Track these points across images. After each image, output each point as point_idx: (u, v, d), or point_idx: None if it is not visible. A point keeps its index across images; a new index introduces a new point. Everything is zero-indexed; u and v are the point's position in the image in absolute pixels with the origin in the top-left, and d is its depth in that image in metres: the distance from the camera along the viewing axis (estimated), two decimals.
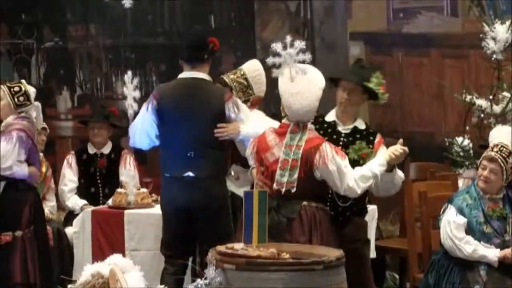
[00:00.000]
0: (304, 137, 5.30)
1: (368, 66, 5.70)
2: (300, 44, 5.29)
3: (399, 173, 5.40)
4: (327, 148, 5.22)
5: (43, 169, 7.23)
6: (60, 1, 9.25)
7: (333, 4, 9.23)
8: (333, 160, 5.19)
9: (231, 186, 6.09)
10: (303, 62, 5.31)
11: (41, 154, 7.00)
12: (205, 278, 4.46)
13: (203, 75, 5.91)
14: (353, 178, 5.20)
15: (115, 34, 9.37)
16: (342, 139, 5.50)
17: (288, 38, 5.31)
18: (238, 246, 4.58)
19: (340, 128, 5.54)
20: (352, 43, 9.17)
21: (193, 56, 5.92)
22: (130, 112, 7.06)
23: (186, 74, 5.95)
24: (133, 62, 9.33)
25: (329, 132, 5.53)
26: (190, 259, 5.95)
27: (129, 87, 5.81)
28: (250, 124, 5.83)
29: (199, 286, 4.45)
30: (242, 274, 4.44)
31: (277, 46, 5.29)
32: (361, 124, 5.57)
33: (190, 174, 5.78)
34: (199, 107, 5.81)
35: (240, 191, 6.08)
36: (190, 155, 5.78)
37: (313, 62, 5.48)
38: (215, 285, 4.43)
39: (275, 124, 5.90)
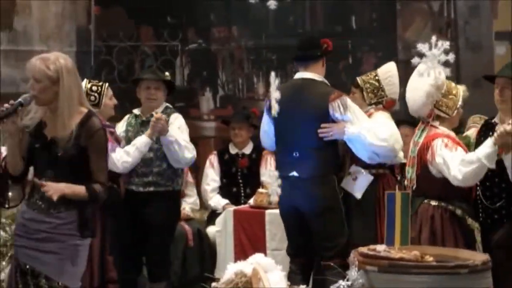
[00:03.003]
0: (424, 134, 5.31)
1: None
2: (444, 44, 5.22)
3: None
4: (438, 142, 5.18)
5: None
6: (204, 3, 9.40)
7: (478, 3, 9.06)
8: (440, 153, 5.13)
9: (347, 186, 6.02)
10: (446, 62, 5.24)
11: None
12: (347, 280, 4.44)
13: (312, 75, 5.90)
14: (456, 166, 5.06)
15: (257, 35, 9.45)
16: None
17: (433, 39, 5.25)
18: (381, 248, 4.55)
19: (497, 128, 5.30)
20: (497, 43, 8.97)
21: (302, 56, 5.93)
22: (273, 113, 7.09)
23: (297, 75, 5.99)
24: (274, 63, 9.39)
25: (490, 134, 5.28)
26: None
27: (273, 87, 5.83)
28: (358, 124, 5.74)
29: (341, 287, 4.44)
30: (384, 276, 4.41)
31: (422, 47, 5.23)
32: None
33: (295, 174, 5.78)
34: (302, 107, 5.78)
35: (355, 191, 6.02)
36: (295, 155, 5.79)
37: (457, 63, 5.39)
38: (357, 286, 4.41)
39: (393, 128, 5.86)
